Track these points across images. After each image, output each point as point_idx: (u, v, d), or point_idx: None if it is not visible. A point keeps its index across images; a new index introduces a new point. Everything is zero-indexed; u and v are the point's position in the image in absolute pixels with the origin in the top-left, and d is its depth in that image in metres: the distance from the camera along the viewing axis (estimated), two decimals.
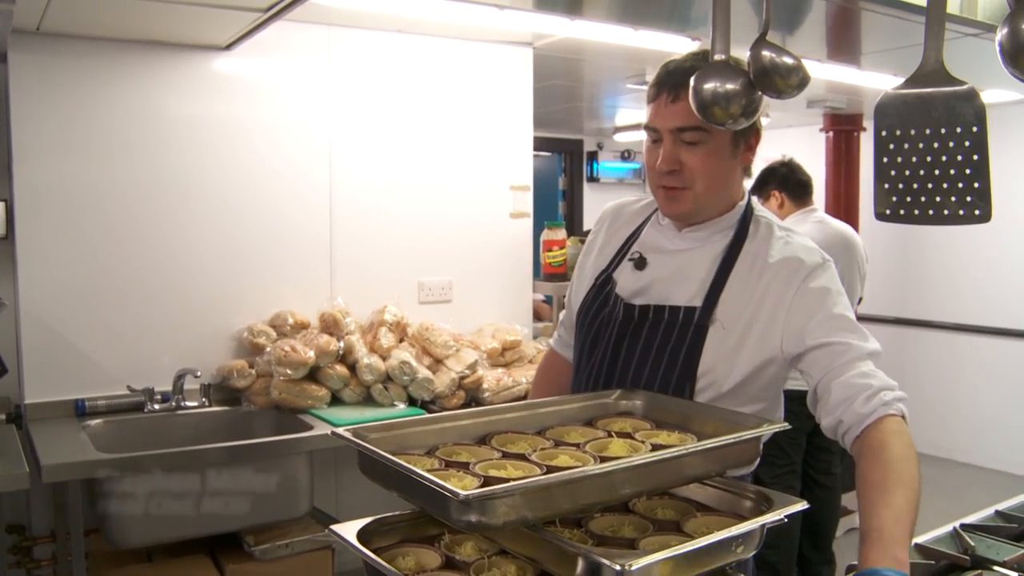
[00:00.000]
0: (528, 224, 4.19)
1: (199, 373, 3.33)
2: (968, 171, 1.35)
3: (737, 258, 1.79)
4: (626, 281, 1.88)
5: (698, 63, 1.71)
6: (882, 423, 1.56)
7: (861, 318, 5.52)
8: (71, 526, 2.76)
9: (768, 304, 1.72)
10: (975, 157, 1.34)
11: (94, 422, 3.18)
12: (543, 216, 4.52)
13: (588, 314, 1.92)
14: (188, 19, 3.05)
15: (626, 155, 8.33)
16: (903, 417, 1.59)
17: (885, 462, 1.50)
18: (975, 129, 1.35)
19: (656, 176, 1.78)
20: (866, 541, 1.37)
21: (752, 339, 1.72)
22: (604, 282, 1.92)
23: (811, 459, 4.21)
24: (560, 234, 4.40)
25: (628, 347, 1.81)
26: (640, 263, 1.87)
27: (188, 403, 3.36)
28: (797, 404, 4.17)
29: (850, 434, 1.60)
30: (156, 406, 3.32)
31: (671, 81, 1.73)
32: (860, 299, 4.39)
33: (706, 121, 1.65)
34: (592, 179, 8.33)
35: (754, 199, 1.91)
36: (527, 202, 4.18)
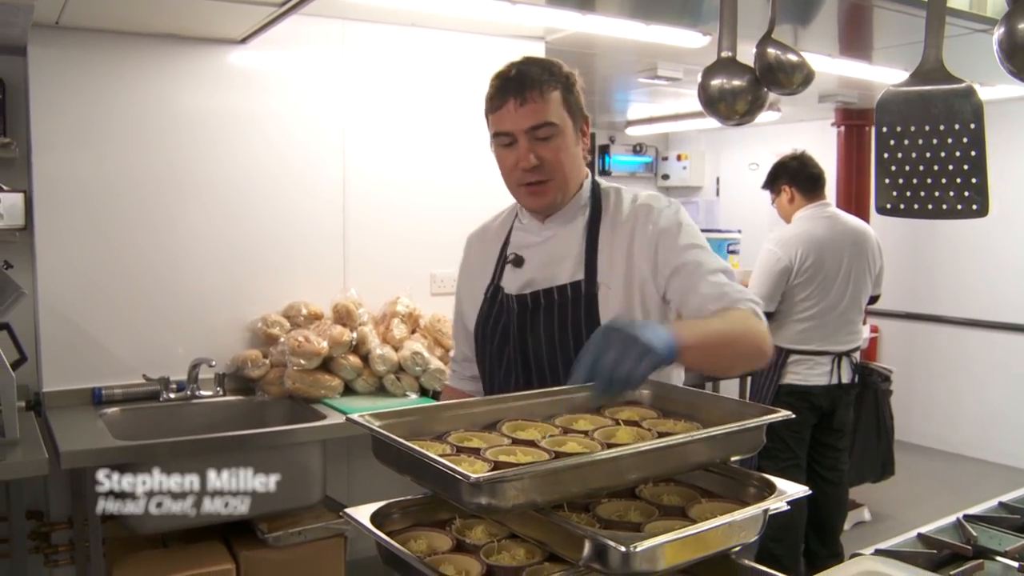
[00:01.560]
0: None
1: (214, 363, 3.38)
2: (966, 167, 1.38)
3: (600, 227, 1.93)
4: (510, 281, 2.01)
5: (528, 67, 1.88)
6: (731, 308, 1.74)
7: (871, 313, 5.45)
8: (88, 512, 2.81)
9: (635, 253, 1.88)
10: (973, 153, 1.37)
11: (111, 410, 3.23)
12: None
13: (488, 324, 2.03)
14: (204, 13, 3.09)
15: (638, 148, 8.34)
16: (757, 316, 1.75)
17: (723, 319, 1.71)
18: (973, 126, 1.38)
19: (517, 176, 1.92)
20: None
21: (634, 288, 1.88)
22: (494, 292, 2.04)
23: (818, 455, 4.22)
24: None
25: (533, 337, 1.93)
26: (517, 261, 2.01)
27: (203, 392, 3.41)
28: (798, 399, 4.22)
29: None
30: (171, 395, 3.37)
31: (514, 87, 1.86)
32: (876, 297, 4.38)
33: (710, 116, 1.70)
34: (604, 172, 8.34)
35: (603, 180, 2.06)
36: None
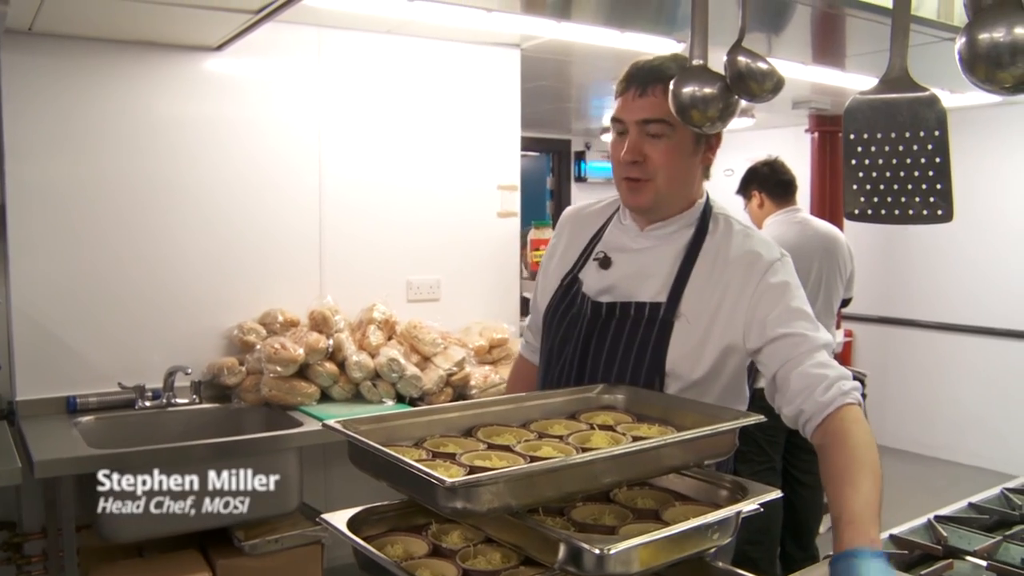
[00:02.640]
0: (515, 223, 4.23)
1: (190, 370, 3.36)
2: (931, 173, 1.40)
3: (699, 254, 1.85)
4: (592, 280, 1.94)
5: (666, 63, 1.79)
6: (842, 412, 1.63)
7: (845, 317, 5.53)
8: (63, 522, 2.79)
9: (730, 297, 1.79)
10: (937, 160, 1.40)
11: (85, 419, 3.21)
12: (531, 215, 4.57)
13: (556, 315, 1.98)
14: (179, 20, 3.08)
15: None
16: (859, 406, 1.66)
17: (850, 449, 1.56)
18: (937, 133, 1.40)
19: (621, 168, 1.85)
20: (839, 525, 1.42)
21: (716, 332, 1.78)
22: (571, 283, 1.98)
23: (793, 459, 4.26)
24: (547, 233, 4.44)
25: (597, 344, 1.87)
26: (605, 262, 1.94)
27: (179, 400, 3.39)
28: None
29: (811, 423, 1.66)
30: (147, 403, 3.34)
31: (639, 77, 1.80)
32: (847, 300, 4.43)
33: (681, 121, 1.71)
34: (580, 179, 8.37)
35: (713, 198, 1.97)
36: (515, 202, 4.21)
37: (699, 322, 1.79)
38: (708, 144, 1.87)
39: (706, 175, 1.94)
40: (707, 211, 1.91)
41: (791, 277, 1.82)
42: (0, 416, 3.17)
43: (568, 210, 2.17)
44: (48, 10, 2.86)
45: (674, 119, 1.75)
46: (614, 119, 1.85)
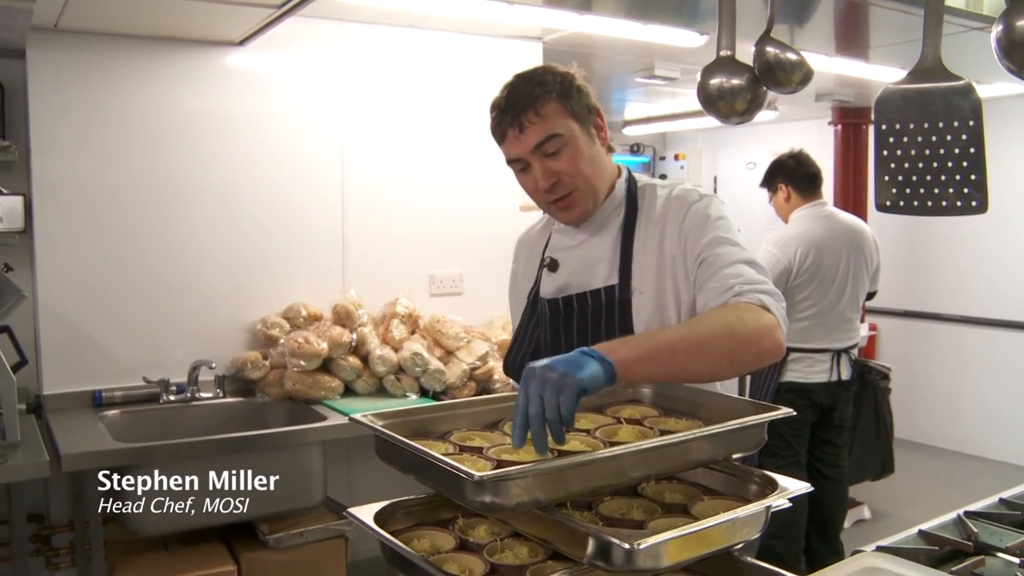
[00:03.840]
0: (538, 217, 4.21)
1: (214, 364, 3.38)
2: (965, 163, 1.38)
3: (635, 227, 1.87)
4: (546, 286, 1.98)
5: (516, 85, 1.83)
6: (731, 301, 1.64)
7: (870, 311, 5.49)
8: (89, 515, 2.81)
9: (667, 251, 1.81)
10: (972, 150, 1.38)
11: (111, 413, 3.23)
12: None
13: (526, 331, 2.01)
14: (202, 15, 3.09)
15: (635, 148, 8.35)
16: (763, 307, 1.62)
17: (698, 319, 1.65)
18: (971, 123, 1.38)
19: (544, 196, 1.86)
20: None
21: (668, 288, 1.80)
22: (534, 298, 2.01)
23: (818, 452, 4.24)
24: None
25: (565, 339, 1.88)
26: (552, 265, 1.97)
27: (203, 394, 3.41)
28: (798, 396, 4.23)
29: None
30: (171, 397, 3.36)
31: (508, 114, 1.80)
32: (873, 293, 4.40)
33: (709, 114, 1.70)
34: None
35: (642, 177, 1.98)
36: None
37: (651, 289, 1.81)
38: (596, 124, 1.87)
39: (610, 151, 1.94)
40: (631, 186, 1.93)
41: (712, 210, 1.81)
42: (27, 410, 3.19)
43: (520, 236, 2.22)
44: (74, 7, 2.88)
45: (561, 127, 1.78)
46: (512, 161, 1.85)
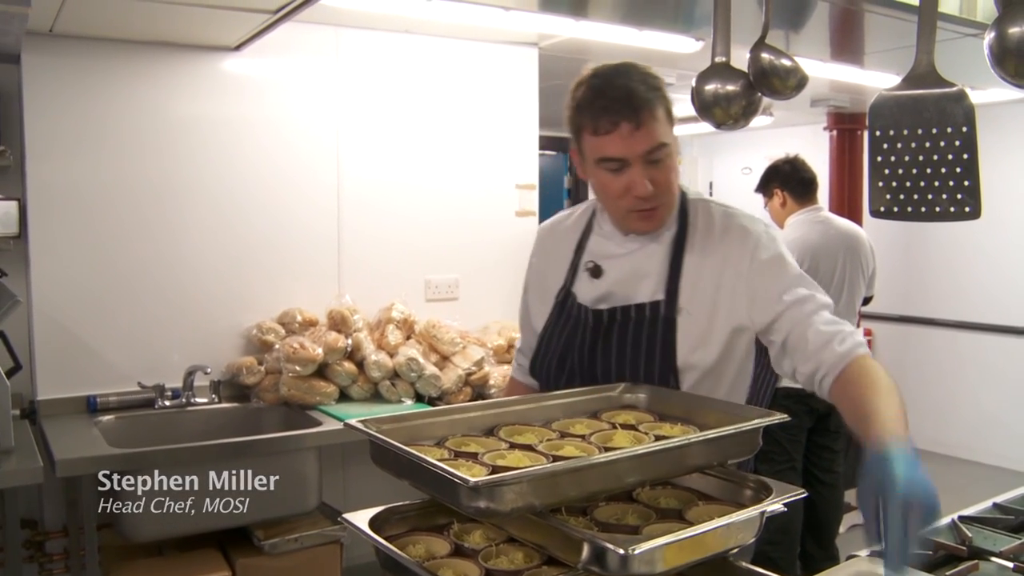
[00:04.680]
0: (534, 223, 4.22)
1: (209, 370, 3.37)
2: (959, 169, 1.39)
3: (686, 244, 1.83)
4: (585, 291, 1.92)
5: (629, 82, 1.71)
6: (860, 360, 1.64)
7: (865, 316, 5.50)
8: (84, 520, 2.80)
9: (727, 279, 1.78)
10: (965, 156, 1.38)
11: (105, 418, 3.22)
12: (548, 214, 4.52)
13: (554, 331, 1.95)
14: (198, 21, 3.09)
15: None
16: (871, 357, 1.67)
17: (874, 380, 1.58)
18: (965, 129, 1.39)
19: (628, 202, 1.77)
20: (872, 427, 1.42)
21: (720, 317, 1.78)
22: (564, 298, 1.95)
23: (814, 457, 4.24)
24: None
25: (603, 352, 1.84)
26: (596, 271, 1.91)
27: (198, 400, 3.40)
28: (794, 402, 4.24)
29: (831, 375, 1.65)
30: (166, 402, 3.35)
31: (626, 108, 1.69)
32: (869, 298, 4.40)
33: (704, 120, 1.70)
34: None
35: (688, 188, 1.94)
36: (533, 201, 4.21)
37: (701, 312, 1.78)
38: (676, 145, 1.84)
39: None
40: (684, 201, 1.89)
41: (780, 247, 1.81)
42: (22, 415, 3.17)
43: (543, 226, 2.15)
44: (69, 11, 2.87)
45: (668, 136, 1.73)
46: (607, 158, 1.74)
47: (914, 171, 1.43)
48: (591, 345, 1.86)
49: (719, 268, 1.79)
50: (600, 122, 1.71)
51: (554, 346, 1.94)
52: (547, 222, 2.15)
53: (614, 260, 1.90)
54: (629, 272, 1.87)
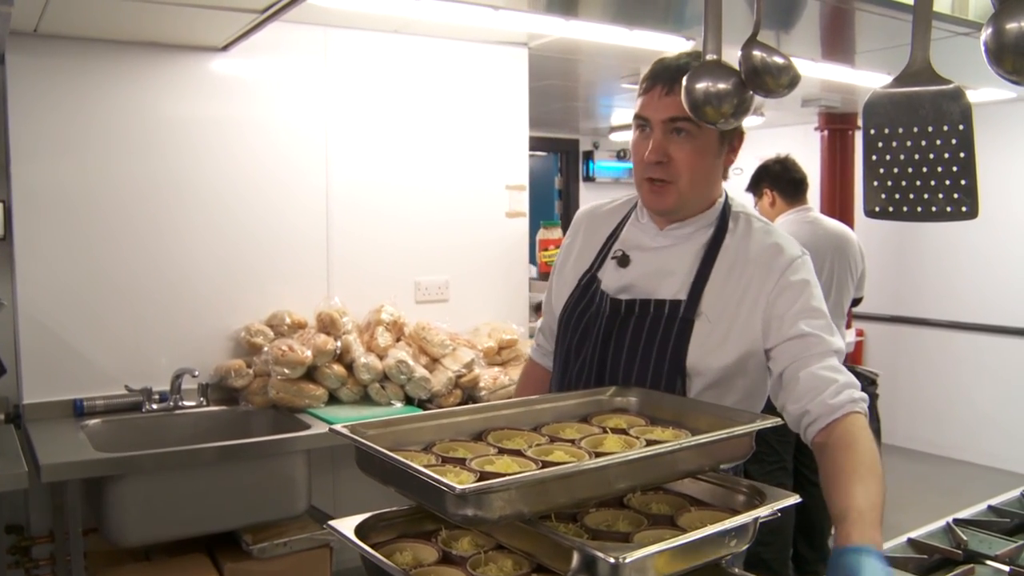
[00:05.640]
0: (524, 224, 4.21)
1: (197, 373, 3.34)
2: (955, 168, 1.37)
3: (719, 252, 1.83)
4: (610, 279, 1.91)
5: (692, 61, 1.74)
6: (850, 418, 1.61)
7: (857, 316, 5.52)
8: (70, 525, 2.77)
9: (750, 295, 1.77)
10: (962, 155, 1.36)
11: (92, 422, 3.19)
12: (539, 215, 4.55)
13: (573, 315, 1.94)
14: (185, 20, 3.06)
15: (622, 154, 8.34)
16: (865, 416, 1.64)
17: (858, 453, 1.55)
18: (961, 127, 1.37)
19: (643, 168, 1.81)
20: (845, 520, 1.42)
21: (735, 333, 1.76)
22: (588, 282, 1.95)
23: (804, 459, 4.23)
24: (556, 233, 4.42)
25: (616, 342, 1.83)
26: (623, 260, 1.90)
27: (186, 403, 3.37)
28: None
29: (816, 425, 1.64)
30: (154, 406, 3.32)
31: (667, 74, 1.76)
32: (858, 299, 4.40)
33: (695, 118, 1.68)
34: (588, 178, 8.34)
35: (731, 195, 1.94)
36: (523, 202, 4.19)
37: (719, 321, 1.76)
38: (731, 145, 1.85)
39: (725, 175, 1.91)
40: (726, 210, 1.89)
41: (811, 275, 1.79)
42: (7, 419, 3.15)
43: (582, 209, 2.14)
44: (54, 11, 2.84)
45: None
46: (638, 116, 1.81)
47: (909, 170, 1.41)
48: (606, 334, 1.85)
49: (746, 282, 1.78)
50: (644, 83, 1.81)
51: (572, 330, 1.93)
52: (588, 205, 2.15)
53: (644, 252, 1.90)
54: (656, 267, 1.87)
